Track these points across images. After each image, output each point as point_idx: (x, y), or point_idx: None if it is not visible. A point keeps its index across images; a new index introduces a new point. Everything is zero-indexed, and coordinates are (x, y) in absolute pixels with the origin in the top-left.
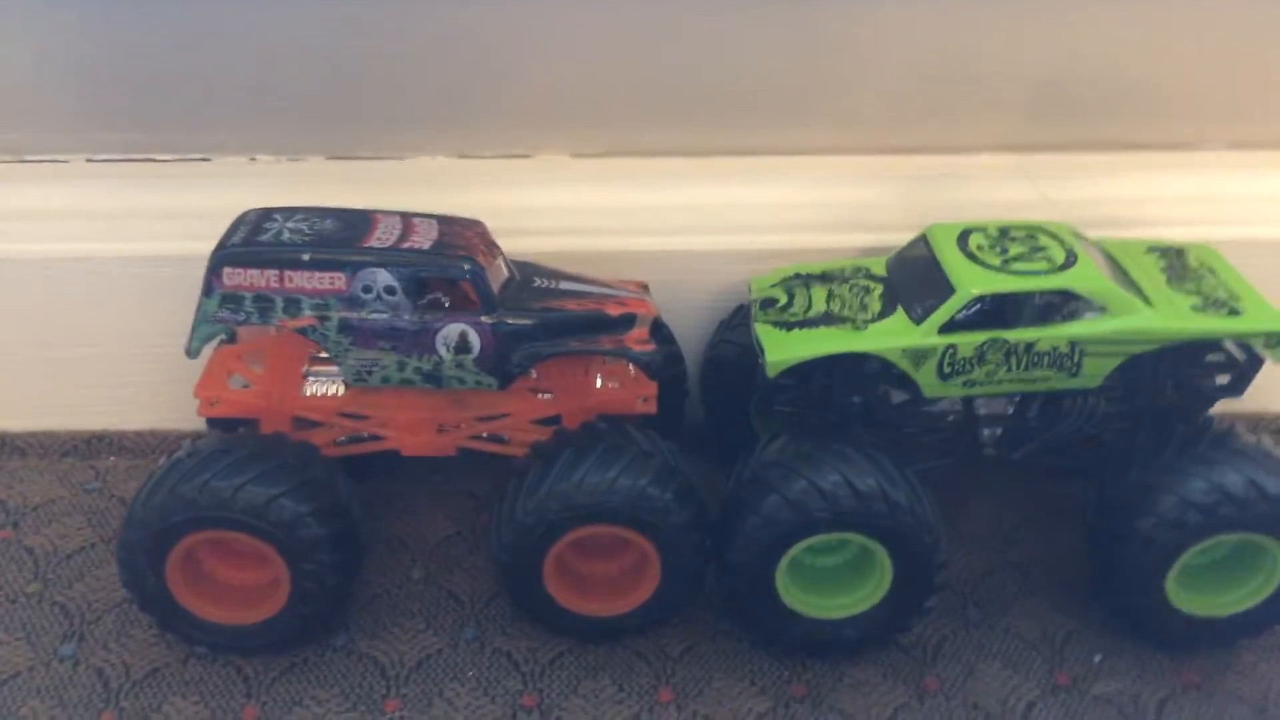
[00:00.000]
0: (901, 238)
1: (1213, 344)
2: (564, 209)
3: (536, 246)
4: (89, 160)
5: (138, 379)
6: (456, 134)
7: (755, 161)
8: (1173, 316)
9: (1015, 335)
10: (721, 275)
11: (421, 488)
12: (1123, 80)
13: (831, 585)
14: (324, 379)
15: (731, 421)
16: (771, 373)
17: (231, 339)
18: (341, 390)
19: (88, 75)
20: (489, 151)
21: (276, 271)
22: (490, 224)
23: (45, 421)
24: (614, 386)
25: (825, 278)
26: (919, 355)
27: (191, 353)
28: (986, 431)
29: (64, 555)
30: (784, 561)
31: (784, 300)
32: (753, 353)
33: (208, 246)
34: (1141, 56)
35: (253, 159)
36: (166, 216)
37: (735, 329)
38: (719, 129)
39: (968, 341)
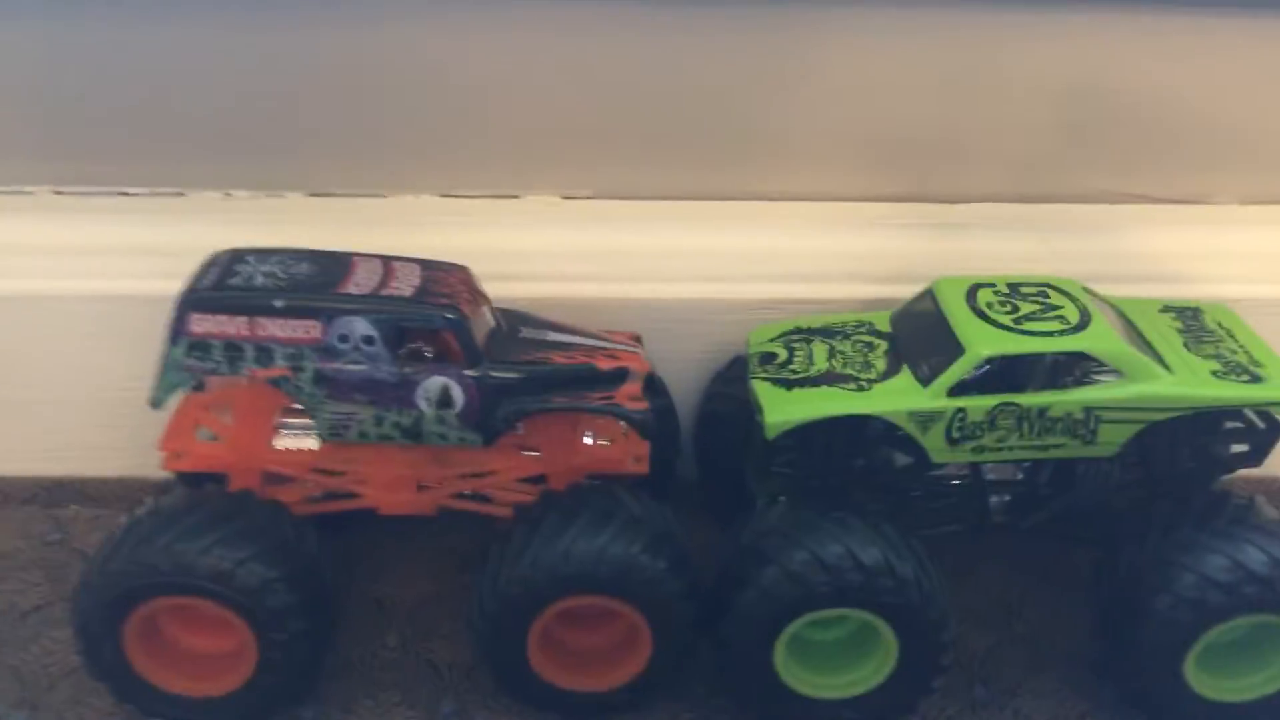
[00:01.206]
0: (904, 289)
1: (1233, 411)
2: (553, 253)
3: (523, 292)
4: (56, 192)
5: (104, 424)
6: (441, 172)
7: (753, 206)
8: (1194, 383)
9: (1028, 400)
10: (717, 325)
11: (400, 543)
12: (1133, 132)
13: (832, 662)
14: (297, 431)
15: (726, 479)
16: (770, 434)
17: (199, 387)
18: (316, 444)
19: (55, 104)
20: (475, 191)
21: (247, 319)
22: (475, 267)
23: (5, 467)
24: (605, 444)
25: (827, 333)
26: (926, 419)
27: (155, 403)
28: (995, 498)
29: (19, 613)
30: (783, 637)
31: (784, 356)
32: (749, 407)
33: (178, 286)
34: (1153, 109)
35: (228, 194)
36: (137, 253)
37: (731, 382)
38: (715, 172)
39: (978, 405)
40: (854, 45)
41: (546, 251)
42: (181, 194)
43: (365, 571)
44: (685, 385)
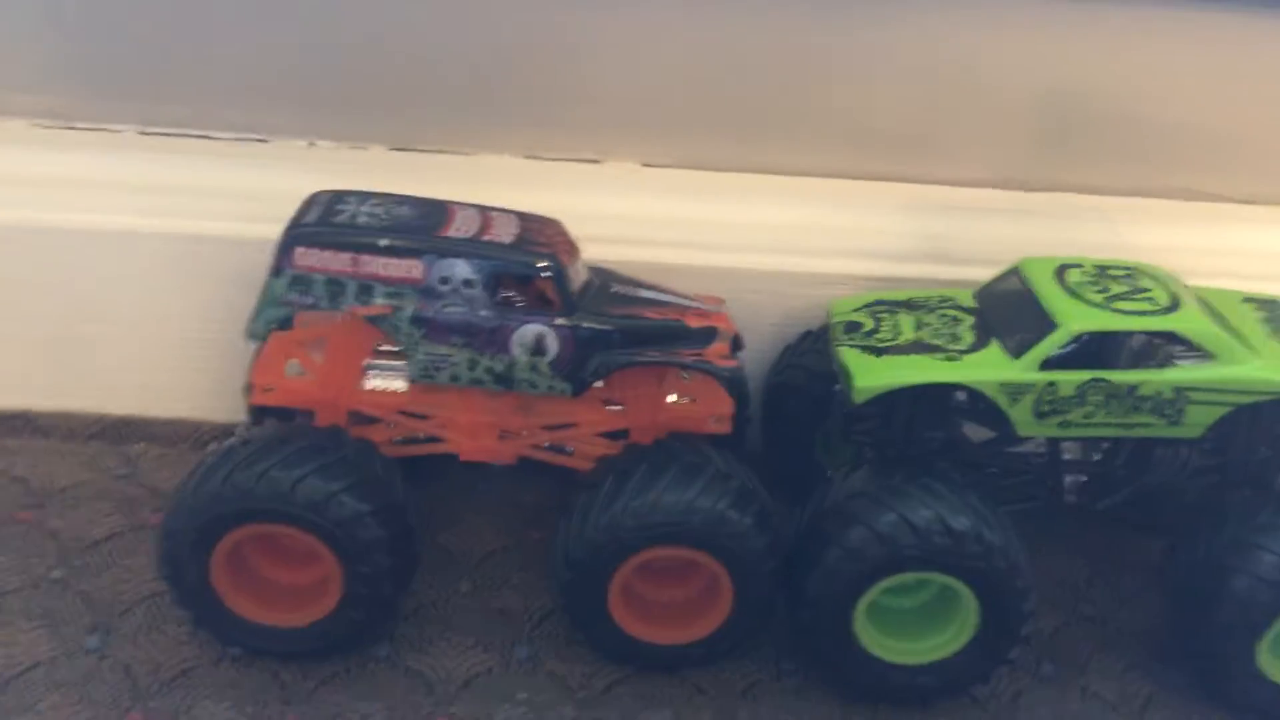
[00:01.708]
0: (979, 272)
1: None
2: (631, 218)
3: (600, 254)
4: (141, 132)
5: (171, 365)
6: (525, 133)
7: (833, 184)
8: None
9: (1119, 377)
10: (790, 298)
11: (467, 497)
12: (1203, 135)
13: (909, 628)
14: (384, 373)
15: (794, 452)
16: (859, 399)
17: (286, 325)
18: (403, 386)
19: (146, 44)
20: (557, 154)
21: (351, 255)
22: None
23: (69, 402)
24: (686, 403)
25: (911, 305)
26: (1017, 390)
27: (254, 335)
28: (1071, 478)
29: (90, 542)
30: (863, 600)
31: (870, 325)
32: (822, 380)
33: (257, 229)
34: (1230, 110)
35: (312, 144)
36: (217, 195)
37: (803, 354)
38: (796, 148)
39: (1069, 380)
40: (948, 22)
41: (624, 216)
42: (265, 140)
43: (434, 523)
44: (756, 356)
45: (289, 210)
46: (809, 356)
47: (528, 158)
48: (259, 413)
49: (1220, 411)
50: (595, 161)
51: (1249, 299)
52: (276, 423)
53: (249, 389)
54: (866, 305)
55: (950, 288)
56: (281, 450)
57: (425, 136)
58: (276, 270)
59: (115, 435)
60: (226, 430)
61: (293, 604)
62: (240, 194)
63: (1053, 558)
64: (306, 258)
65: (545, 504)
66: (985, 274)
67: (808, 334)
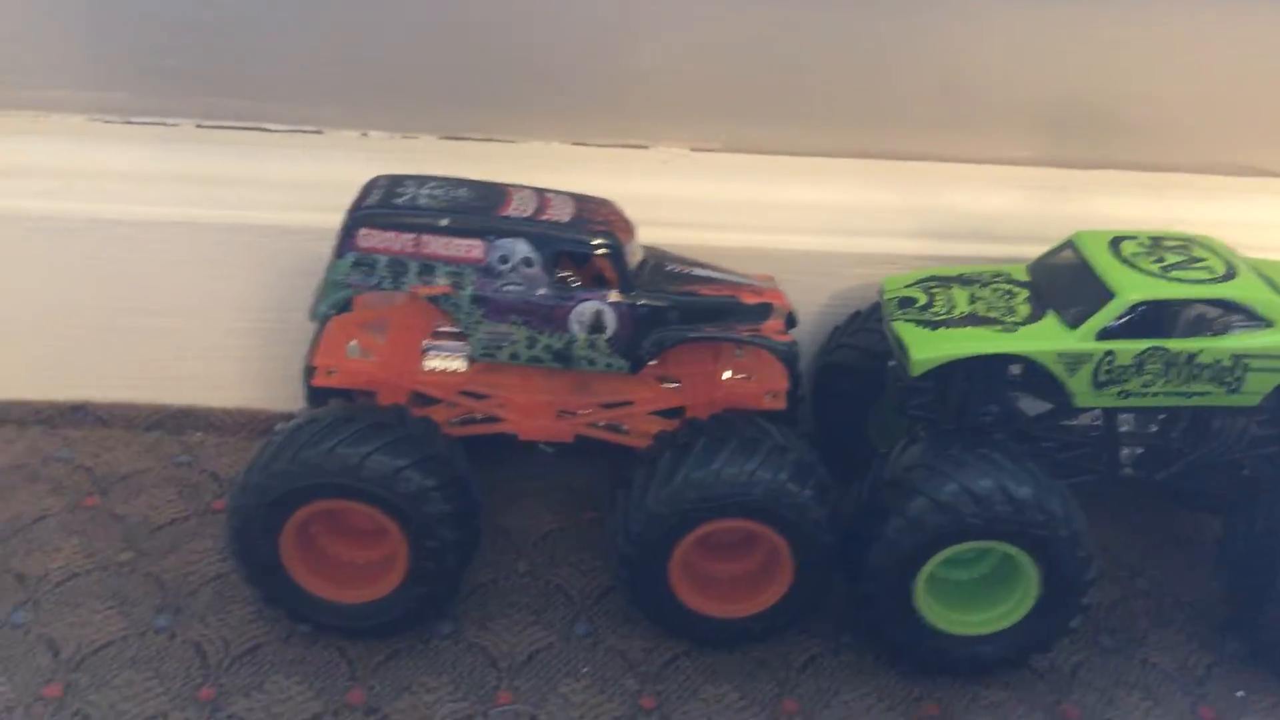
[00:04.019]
0: (1033, 249)
1: None
2: (680, 201)
3: (650, 237)
4: (198, 125)
5: (228, 354)
6: (573, 120)
7: (878, 164)
8: None
9: (1178, 345)
10: (839, 278)
11: (521, 480)
12: (1244, 109)
13: (968, 600)
14: (443, 354)
15: (845, 431)
16: (916, 371)
17: (345, 308)
18: (462, 367)
19: (200, 39)
20: (605, 140)
21: (413, 236)
22: None
23: (127, 394)
24: (741, 379)
25: (964, 280)
26: (1075, 360)
27: (318, 316)
28: (1127, 450)
29: (155, 526)
30: (925, 570)
31: (924, 300)
32: (873, 359)
33: (313, 218)
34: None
35: (365, 134)
36: (273, 186)
37: (855, 333)
38: (840, 129)
39: (1127, 349)
40: (992, 6)
41: (674, 199)
42: (319, 132)
43: (490, 505)
44: (805, 337)
45: (344, 199)
46: (859, 336)
47: (575, 144)
48: (321, 394)
49: (1279, 379)
50: (643, 147)
51: None
52: (342, 402)
53: (310, 371)
54: (919, 281)
55: (1000, 264)
56: (348, 428)
57: (475, 125)
58: (340, 252)
59: (174, 425)
60: (286, 416)
61: (360, 581)
62: (296, 184)
63: (1107, 534)
64: (370, 239)
65: (598, 486)
66: (1034, 251)
67: (857, 314)
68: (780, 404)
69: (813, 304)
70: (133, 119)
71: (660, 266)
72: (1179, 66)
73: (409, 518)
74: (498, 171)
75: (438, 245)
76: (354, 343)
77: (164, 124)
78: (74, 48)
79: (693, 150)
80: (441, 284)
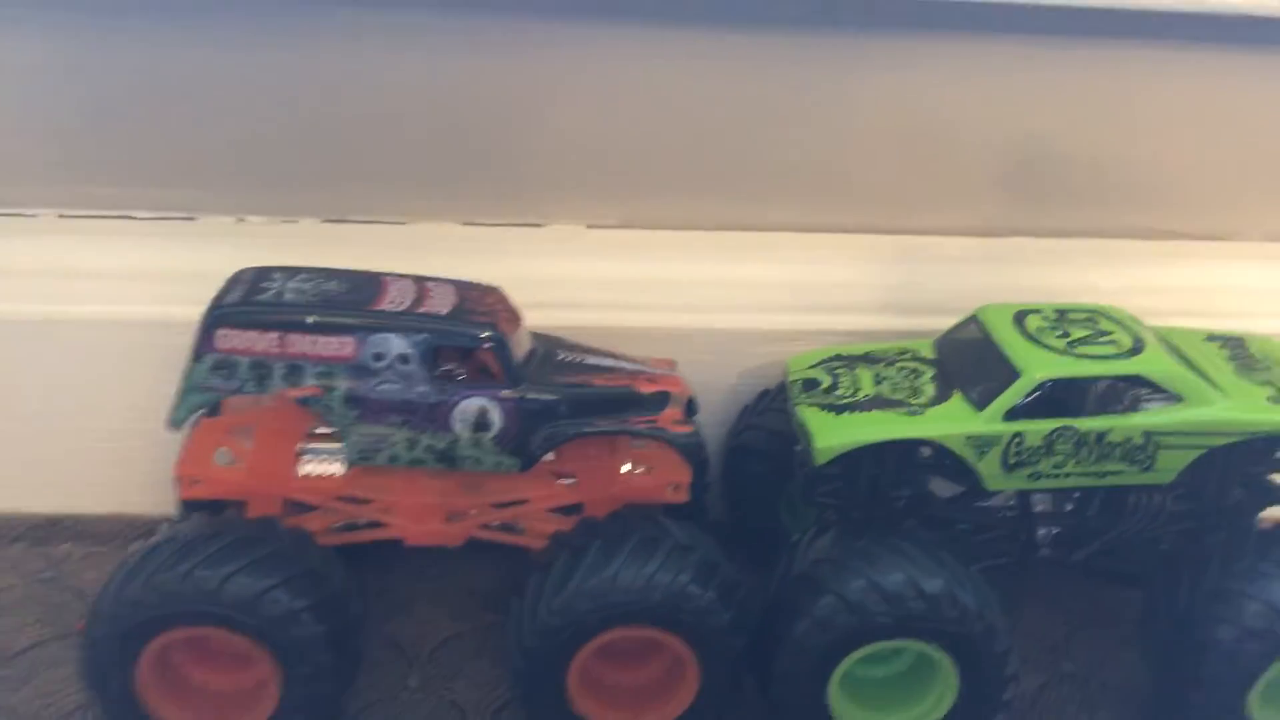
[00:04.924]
0: (939, 321)
1: None
2: (577, 281)
3: (547, 320)
4: (60, 216)
5: (100, 457)
6: (463, 199)
7: (780, 237)
8: (1253, 408)
9: (1087, 424)
10: (745, 356)
11: (417, 582)
12: (1160, 173)
13: (887, 699)
14: (319, 457)
15: (756, 515)
16: (821, 460)
17: (213, 411)
18: (340, 470)
19: (61, 125)
20: (498, 219)
21: (278, 334)
22: None
23: None
24: (641, 472)
25: (869, 359)
26: (983, 443)
27: (175, 423)
28: (1043, 530)
29: (12, 653)
30: (838, 672)
31: (828, 382)
32: (782, 440)
33: (187, 311)
34: (1177, 149)
35: (241, 219)
36: (144, 278)
37: (763, 414)
38: (741, 202)
39: (1036, 430)
40: (888, 79)
41: (571, 280)
42: (191, 219)
43: (381, 611)
44: (712, 418)
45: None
46: (768, 416)
47: (466, 224)
48: (192, 506)
49: (1192, 455)
50: (537, 225)
51: (1212, 337)
52: (203, 517)
53: (177, 481)
54: (823, 361)
55: (909, 339)
56: (207, 547)
57: (359, 206)
58: (197, 354)
59: (39, 536)
60: (154, 526)
61: (230, 711)
62: (166, 275)
63: (1029, 616)
64: (229, 339)
65: (499, 587)
66: (946, 322)
67: (764, 394)
68: (683, 496)
69: (720, 384)
70: None
71: (550, 356)
72: (1088, 132)
73: (278, 642)
74: (384, 256)
75: (304, 344)
76: (223, 449)
77: (23, 215)
78: None
79: (588, 227)
80: (311, 385)
